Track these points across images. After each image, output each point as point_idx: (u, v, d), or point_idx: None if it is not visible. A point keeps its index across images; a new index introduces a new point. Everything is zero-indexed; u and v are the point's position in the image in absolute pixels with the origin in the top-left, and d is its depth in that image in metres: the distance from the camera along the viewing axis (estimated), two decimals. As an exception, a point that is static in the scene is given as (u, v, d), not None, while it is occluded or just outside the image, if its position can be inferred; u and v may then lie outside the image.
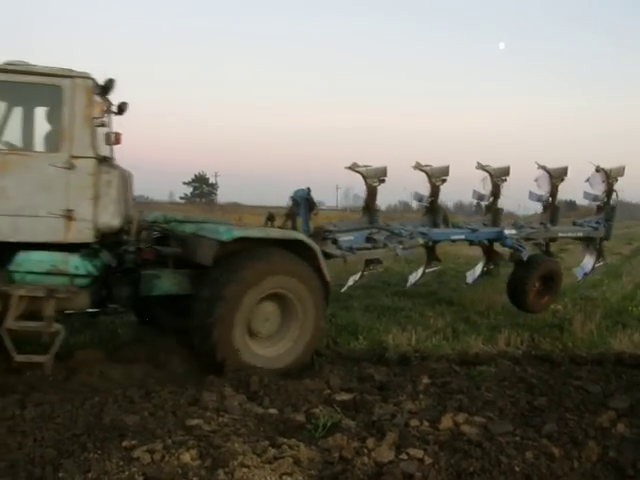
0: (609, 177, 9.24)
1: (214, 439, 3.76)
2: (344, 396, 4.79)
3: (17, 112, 5.81)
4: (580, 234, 9.57)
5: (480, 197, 9.06)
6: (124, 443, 3.67)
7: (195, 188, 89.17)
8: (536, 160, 9.01)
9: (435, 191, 8.57)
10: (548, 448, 3.69)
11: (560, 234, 9.39)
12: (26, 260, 5.20)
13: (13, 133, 5.67)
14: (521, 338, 7.01)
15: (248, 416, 4.28)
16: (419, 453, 3.58)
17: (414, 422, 4.15)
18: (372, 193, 8.24)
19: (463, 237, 8.59)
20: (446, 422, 4.13)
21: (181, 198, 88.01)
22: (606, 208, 9.56)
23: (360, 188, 8.29)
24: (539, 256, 9.10)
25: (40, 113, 5.81)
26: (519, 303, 8.54)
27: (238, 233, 5.68)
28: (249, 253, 5.70)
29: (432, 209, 8.60)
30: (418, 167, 8.53)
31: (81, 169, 5.31)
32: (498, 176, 8.84)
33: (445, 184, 8.61)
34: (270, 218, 7.20)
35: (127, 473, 3.33)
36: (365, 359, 6.32)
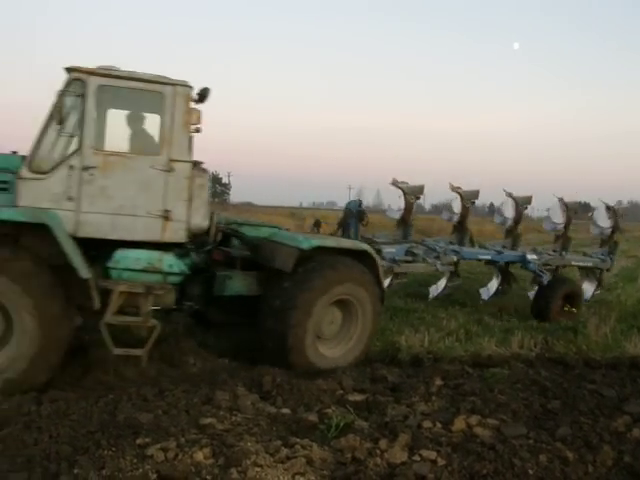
0: (616, 214, 10.16)
1: (227, 438, 3.77)
2: (357, 397, 4.79)
3: (121, 115, 6.06)
4: (590, 264, 10.20)
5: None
6: (138, 441, 3.70)
7: (208, 188, 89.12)
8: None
9: (465, 212, 9.40)
10: (562, 452, 3.66)
11: (573, 262, 10.07)
12: (124, 257, 5.40)
13: (116, 135, 5.92)
14: (534, 341, 6.97)
15: (261, 415, 4.29)
16: (432, 455, 3.58)
17: (427, 423, 4.14)
18: (409, 208, 8.97)
19: (489, 257, 9.27)
20: (459, 424, 4.12)
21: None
22: (610, 243, 10.37)
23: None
24: (561, 278, 9.68)
25: (142, 117, 6.06)
26: (542, 313, 8.87)
27: (316, 242, 6.01)
28: (323, 261, 5.99)
29: (461, 228, 9.46)
30: (453, 189, 9.46)
31: (179, 172, 5.61)
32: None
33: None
34: (316, 224, 7.77)
35: (141, 471, 3.36)
36: (378, 360, 6.32)
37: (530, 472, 3.43)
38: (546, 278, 9.19)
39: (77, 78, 5.34)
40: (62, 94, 5.29)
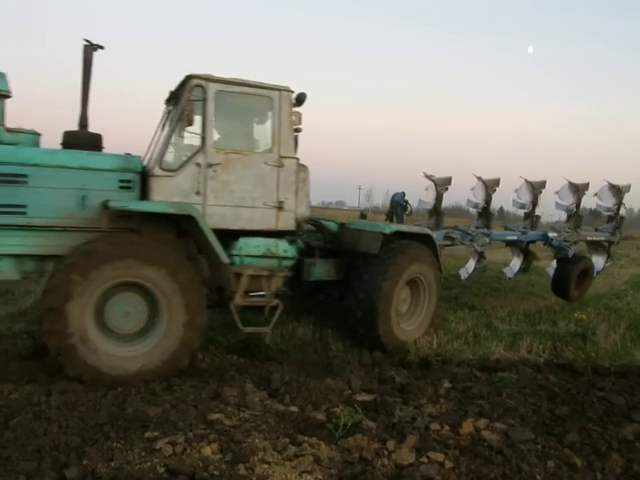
0: (620, 192, 11.01)
1: (235, 434, 3.79)
2: (365, 397, 4.79)
3: (238, 117, 6.74)
4: (602, 238, 11.22)
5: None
6: (146, 434, 3.73)
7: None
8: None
9: (489, 199, 10.15)
10: (570, 458, 3.64)
11: (588, 237, 11.00)
12: (246, 245, 6.08)
13: (233, 135, 6.67)
14: (543, 346, 6.91)
15: (269, 413, 4.30)
16: (440, 457, 3.57)
17: (435, 426, 4.13)
18: (440, 198, 9.97)
19: (516, 238, 10.15)
20: (467, 427, 4.11)
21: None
22: (616, 218, 11.27)
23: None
24: (578, 255, 10.54)
25: (254, 119, 6.77)
26: (562, 292, 10.19)
27: (395, 227, 7.08)
28: (401, 244, 6.95)
29: (485, 214, 10.21)
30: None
31: (288, 167, 6.33)
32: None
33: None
34: (363, 216, 8.40)
35: (149, 464, 3.38)
36: (386, 361, 6.32)
37: (538, 477, 3.41)
38: (572, 251, 10.11)
39: (198, 84, 5.93)
40: (187, 99, 5.83)
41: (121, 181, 5.76)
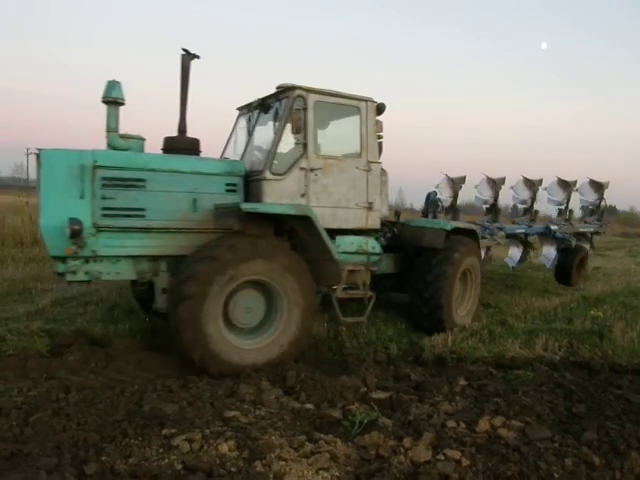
0: (602, 188, 12.23)
1: (251, 431, 3.81)
2: (380, 394, 4.78)
3: (332, 125, 7.35)
4: (592, 229, 12.38)
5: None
6: (164, 431, 3.75)
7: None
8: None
9: (496, 195, 11.26)
10: (588, 456, 3.60)
11: (581, 229, 12.15)
12: (343, 242, 6.70)
13: (329, 142, 7.21)
14: (559, 343, 6.85)
15: (285, 410, 4.32)
16: (456, 454, 3.55)
17: (451, 423, 4.11)
18: (456, 195, 11.28)
19: (523, 231, 11.06)
20: (483, 425, 4.09)
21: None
22: (598, 212, 12.55)
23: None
24: (578, 245, 11.77)
25: (346, 127, 7.17)
26: (565, 278, 11.51)
27: (454, 224, 7.89)
28: (457, 240, 7.74)
29: (493, 209, 11.28)
30: (488, 178, 11.43)
31: (374, 171, 7.03)
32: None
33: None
34: (397, 214, 8.56)
35: (167, 460, 3.40)
36: (401, 359, 6.32)
37: (556, 476, 3.38)
38: (574, 242, 11.44)
39: (300, 95, 6.46)
40: (291, 108, 6.35)
41: (227, 184, 6.26)
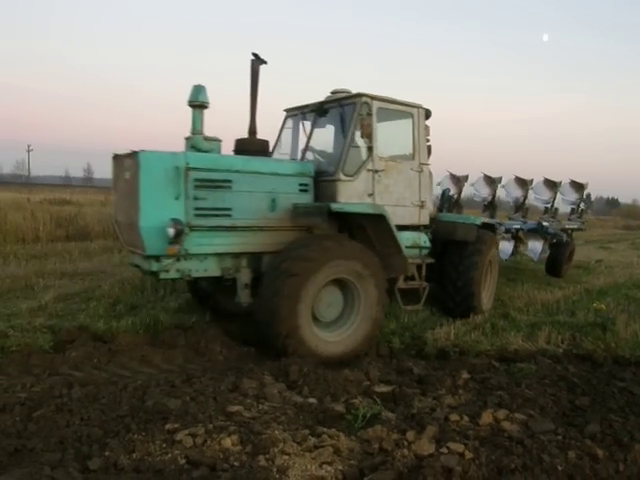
0: (583, 188, 13.19)
1: (254, 426, 3.80)
2: (383, 388, 4.79)
3: (391, 130, 7.63)
4: (576, 226, 13.25)
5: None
6: (167, 426, 3.74)
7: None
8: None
9: (494, 193, 12.22)
10: (592, 449, 3.59)
11: (567, 226, 12.93)
12: (401, 238, 6.98)
13: (388, 145, 7.47)
14: (562, 336, 6.85)
15: (287, 404, 4.31)
16: (460, 447, 3.54)
17: (454, 416, 4.11)
18: (460, 192, 12.34)
19: (519, 227, 11.65)
20: (486, 418, 4.09)
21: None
22: (578, 210, 13.44)
23: None
24: (567, 240, 12.69)
25: (401, 131, 7.67)
26: (556, 270, 12.39)
27: (482, 220, 8.73)
28: (484, 233, 8.48)
29: (491, 206, 12.21)
30: (485, 176, 12.44)
31: (425, 172, 7.69)
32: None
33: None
34: None
35: (170, 455, 3.40)
36: (403, 353, 6.32)
37: (559, 468, 3.37)
38: (565, 237, 12.42)
39: (365, 102, 6.91)
40: (359, 113, 6.81)
41: (300, 185, 6.68)
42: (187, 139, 6.44)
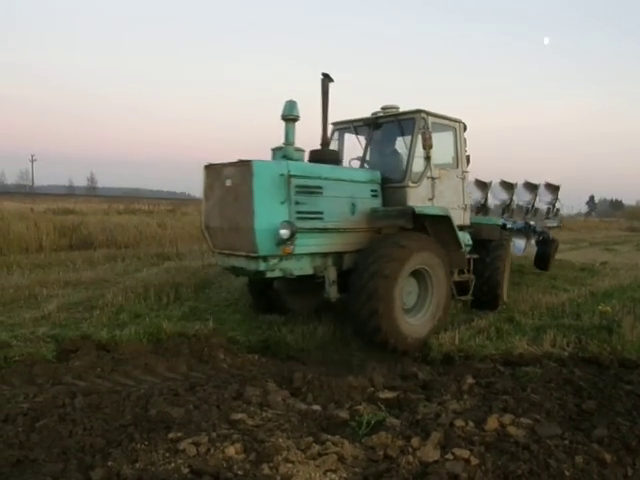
0: (557, 190, 14.33)
1: (258, 434, 3.78)
2: (387, 394, 4.75)
3: (438, 142, 8.05)
4: (555, 224, 14.33)
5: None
6: (170, 435, 3.72)
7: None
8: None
9: (485, 196, 13.28)
10: (599, 453, 3.55)
11: (548, 224, 13.90)
12: None
13: (441, 156, 8.35)
14: (567, 339, 6.79)
15: (291, 412, 4.28)
16: (465, 453, 3.51)
17: (459, 422, 4.06)
18: (486, 197, 13.36)
19: (510, 226, 12.08)
20: (492, 423, 4.04)
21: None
22: (554, 210, 14.48)
23: None
24: (553, 237, 13.78)
25: (447, 143, 8.56)
26: (544, 265, 13.15)
27: (503, 221, 10.29)
28: (502, 232, 9.65)
29: (484, 208, 13.23)
30: (477, 180, 13.34)
31: (465, 179, 8.74)
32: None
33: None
34: None
35: (173, 464, 3.37)
36: (408, 358, 6.28)
37: (566, 473, 3.33)
38: (551, 234, 13.57)
39: (423, 117, 7.77)
40: (419, 127, 7.68)
41: (372, 190, 7.52)
42: (275, 149, 7.12)
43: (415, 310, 7.15)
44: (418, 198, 7.66)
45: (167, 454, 3.49)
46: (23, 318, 7.44)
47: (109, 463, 3.37)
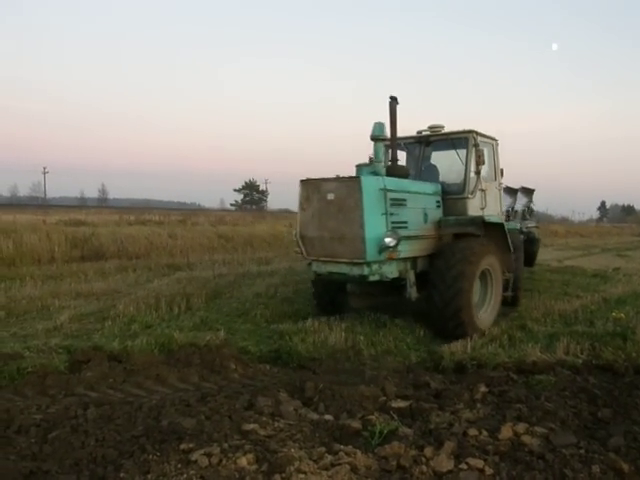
0: (531, 193, 15.32)
1: (270, 444, 3.75)
2: (400, 403, 4.71)
3: (485, 158, 9.06)
4: (534, 224, 14.86)
5: None
6: (182, 446, 3.70)
7: (245, 195, 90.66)
8: None
9: (514, 201, 14.08)
10: (616, 463, 3.50)
11: (528, 225, 14.30)
12: None
13: (486, 171, 9.40)
14: (581, 347, 6.73)
15: (303, 422, 4.25)
16: (479, 463, 3.47)
17: (472, 431, 4.02)
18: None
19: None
20: (506, 432, 4.00)
21: (232, 205, 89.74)
22: (530, 211, 15.34)
23: None
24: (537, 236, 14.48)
25: (488, 158, 9.25)
26: (530, 261, 13.18)
27: (518, 226, 11.12)
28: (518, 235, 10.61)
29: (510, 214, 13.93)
30: None
31: (501, 190, 10.16)
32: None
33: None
34: None
35: (185, 476, 3.35)
36: (420, 367, 6.24)
37: (583, 483, 3.30)
38: (538, 233, 14.39)
39: (474, 137, 8.90)
40: (473, 145, 8.82)
41: (437, 202, 8.64)
42: (360, 166, 7.97)
43: (479, 305, 8.17)
44: (474, 208, 8.86)
45: (179, 465, 3.48)
46: (36, 329, 7.48)
47: (121, 474, 3.36)
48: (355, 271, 7.29)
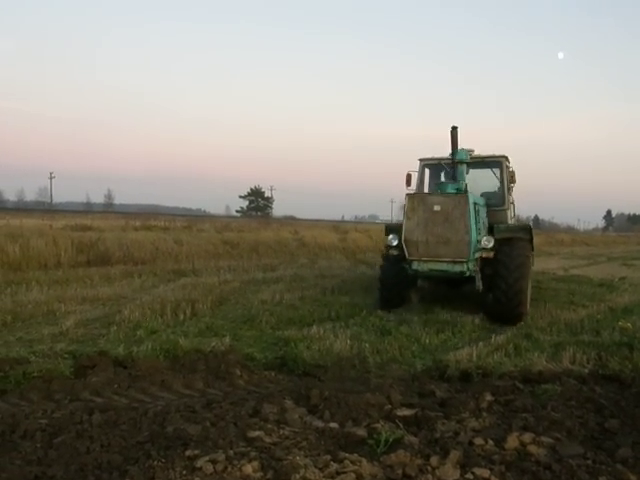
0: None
1: (275, 451, 3.74)
2: (405, 412, 4.69)
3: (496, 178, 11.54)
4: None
5: None
6: (187, 452, 3.69)
7: (251, 202, 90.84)
8: None
9: None
10: (624, 474, 3.47)
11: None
12: None
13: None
14: (587, 356, 6.71)
15: (309, 429, 4.24)
16: (485, 473, 3.45)
17: (478, 440, 4.00)
18: None
19: None
20: (512, 442, 3.97)
21: (237, 211, 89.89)
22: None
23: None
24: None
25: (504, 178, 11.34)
26: None
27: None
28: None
29: None
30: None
31: (513, 203, 11.65)
32: None
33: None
34: None
35: (190, 482, 3.35)
36: (425, 375, 6.21)
37: (590, 494, 3.28)
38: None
39: (503, 161, 11.13)
40: (504, 168, 11.10)
41: (486, 212, 10.52)
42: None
43: None
44: (510, 217, 11.03)
45: (184, 472, 3.47)
46: (41, 334, 7.50)
47: (126, 480, 3.36)
48: (456, 268, 9.08)
